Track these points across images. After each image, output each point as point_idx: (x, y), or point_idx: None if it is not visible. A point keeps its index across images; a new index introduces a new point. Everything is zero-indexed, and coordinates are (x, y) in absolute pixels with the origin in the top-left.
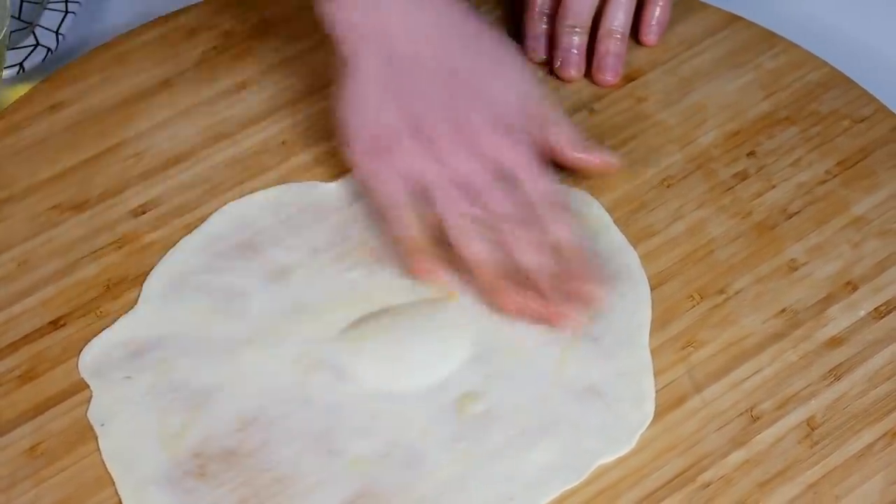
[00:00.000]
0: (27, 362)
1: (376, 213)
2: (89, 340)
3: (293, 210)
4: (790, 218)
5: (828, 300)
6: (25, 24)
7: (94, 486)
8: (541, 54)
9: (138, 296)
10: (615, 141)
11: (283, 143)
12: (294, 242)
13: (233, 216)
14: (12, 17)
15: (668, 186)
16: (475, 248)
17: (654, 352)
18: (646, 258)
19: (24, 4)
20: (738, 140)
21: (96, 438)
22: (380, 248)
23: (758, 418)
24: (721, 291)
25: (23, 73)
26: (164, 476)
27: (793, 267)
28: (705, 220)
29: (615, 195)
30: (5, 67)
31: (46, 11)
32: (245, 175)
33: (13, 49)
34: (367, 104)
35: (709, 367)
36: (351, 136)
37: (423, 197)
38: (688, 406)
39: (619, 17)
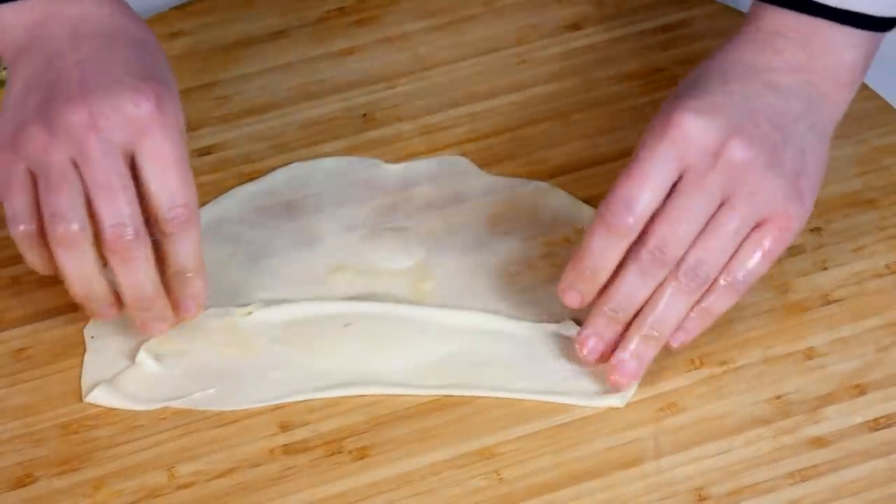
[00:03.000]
0: None
1: (428, 204)
2: None
3: (348, 182)
4: (828, 304)
5: (829, 398)
6: None
7: (58, 400)
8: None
9: None
10: None
11: (363, 115)
12: (335, 214)
13: (293, 175)
14: None
15: None
16: None
17: (630, 406)
18: None
19: None
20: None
21: (82, 355)
22: (410, 240)
23: (705, 499)
24: (723, 362)
25: None
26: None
27: (808, 355)
28: None
29: None
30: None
31: None
32: (316, 139)
33: None
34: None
35: (678, 435)
36: None
37: None
38: (641, 468)
39: (663, 316)
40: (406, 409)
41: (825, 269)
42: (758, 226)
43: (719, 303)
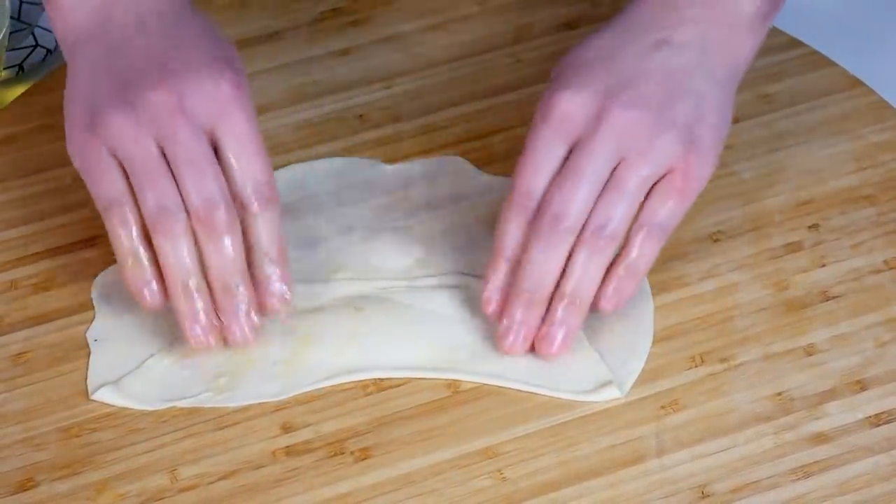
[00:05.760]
0: (46, 273)
1: (426, 204)
2: (110, 265)
3: (346, 183)
4: (827, 301)
5: (830, 394)
6: (25, 25)
7: (59, 403)
8: (491, 308)
9: None
10: None
11: (360, 116)
12: (333, 215)
13: (291, 177)
14: (11, 18)
15: (714, 241)
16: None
17: (632, 404)
18: (663, 309)
19: (23, 5)
20: (807, 209)
21: (82, 359)
22: (409, 240)
23: (707, 496)
24: (724, 360)
25: (22, 74)
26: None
27: (809, 352)
28: (738, 283)
29: None
30: (5, 68)
31: (45, 12)
32: (313, 140)
33: (12, 50)
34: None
35: (680, 433)
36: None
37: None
38: (643, 466)
39: (580, 281)
40: (408, 409)
41: (823, 265)
42: (661, 179)
43: (643, 257)
